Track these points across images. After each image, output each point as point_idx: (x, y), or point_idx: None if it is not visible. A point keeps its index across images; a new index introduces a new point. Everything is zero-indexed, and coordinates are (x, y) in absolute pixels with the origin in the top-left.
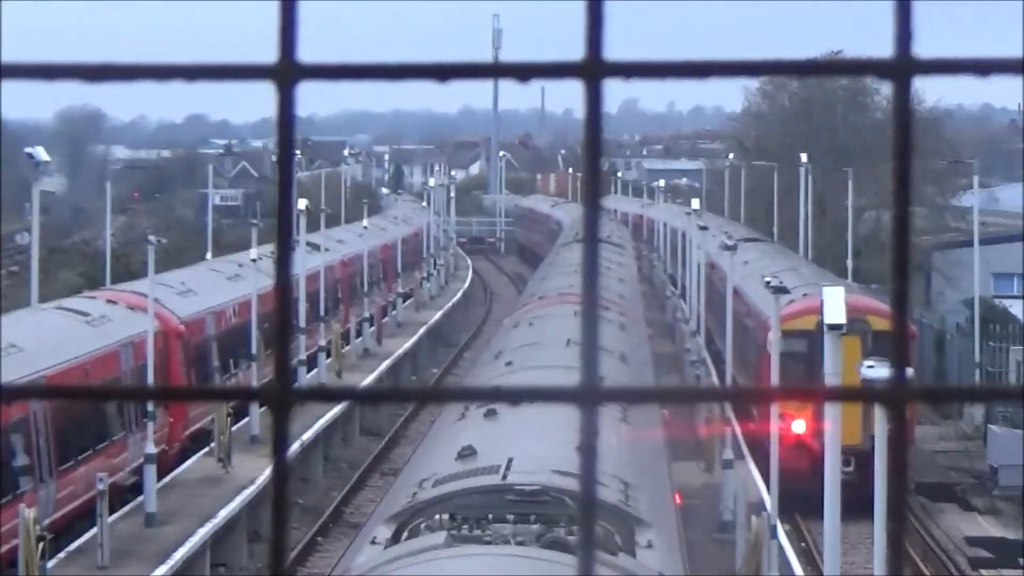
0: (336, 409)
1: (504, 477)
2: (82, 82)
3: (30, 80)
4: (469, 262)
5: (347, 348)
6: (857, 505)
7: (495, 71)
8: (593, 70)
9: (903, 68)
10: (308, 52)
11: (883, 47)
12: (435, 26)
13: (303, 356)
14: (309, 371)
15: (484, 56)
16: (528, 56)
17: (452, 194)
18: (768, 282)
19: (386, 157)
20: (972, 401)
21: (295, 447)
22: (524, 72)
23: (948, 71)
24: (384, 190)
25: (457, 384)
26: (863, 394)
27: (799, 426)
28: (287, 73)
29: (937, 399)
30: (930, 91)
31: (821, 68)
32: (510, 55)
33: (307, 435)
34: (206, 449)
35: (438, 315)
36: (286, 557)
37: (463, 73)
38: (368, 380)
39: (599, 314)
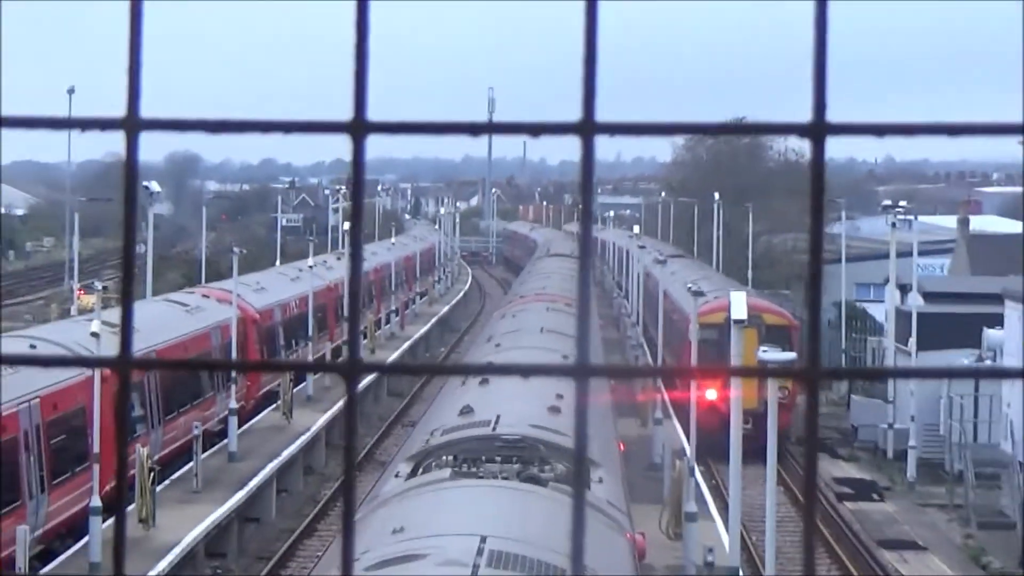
0: (370, 377)
1: (493, 429)
2: (205, 134)
3: (164, 132)
4: (469, 270)
5: (379, 332)
6: (753, 453)
7: (512, 128)
8: (587, 129)
9: (819, 130)
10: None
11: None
12: (432, 92)
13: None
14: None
15: (480, 117)
16: (517, 116)
17: (457, 220)
18: (689, 287)
19: (408, 191)
20: (864, 379)
21: (340, 403)
22: (533, 130)
23: (857, 133)
24: (407, 216)
25: (459, 360)
26: (786, 372)
27: (711, 394)
28: (359, 129)
29: (839, 377)
30: (807, 148)
31: (752, 128)
32: (501, 116)
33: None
34: (274, 406)
35: (445, 308)
36: (354, 500)
37: (490, 129)
38: (395, 355)
39: (587, 310)
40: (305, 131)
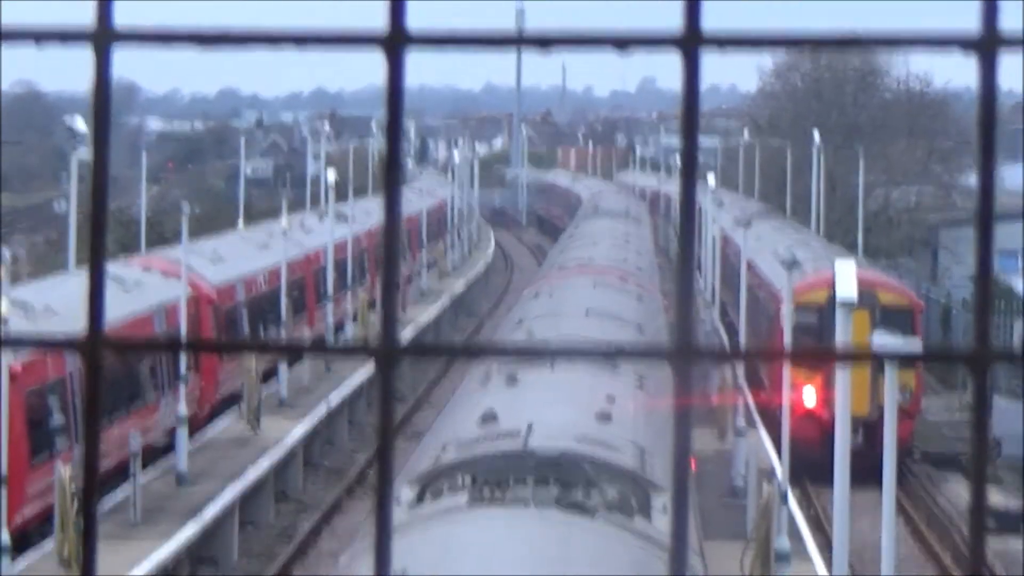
0: (362, 374)
1: (525, 442)
2: (198, 48)
3: (145, 46)
4: (491, 234)
5: (373, 314)
6: (864, 473)
7: (594, 41)
8: (691, 41)
9: (990, 43)
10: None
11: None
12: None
13: (331, 322)
14: (336, 336)
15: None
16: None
17: (476, 168)
18: (781, 256)
19: (411, 130)
20: None
21: (322, 410)
22: (624, 43)
23: None
24: (410, 162)
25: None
26: (950, 354)
27: (809, 396)
28: (397, 41)
29: (1015, 359)
30: (939, 73)
31: (903, 40)
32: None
33: (334, 399)
34: (236, 412)
35: (461, 284)
36: (390, 505)
37: (561, 41)
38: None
39: (690, 272)
40: (329, 45)
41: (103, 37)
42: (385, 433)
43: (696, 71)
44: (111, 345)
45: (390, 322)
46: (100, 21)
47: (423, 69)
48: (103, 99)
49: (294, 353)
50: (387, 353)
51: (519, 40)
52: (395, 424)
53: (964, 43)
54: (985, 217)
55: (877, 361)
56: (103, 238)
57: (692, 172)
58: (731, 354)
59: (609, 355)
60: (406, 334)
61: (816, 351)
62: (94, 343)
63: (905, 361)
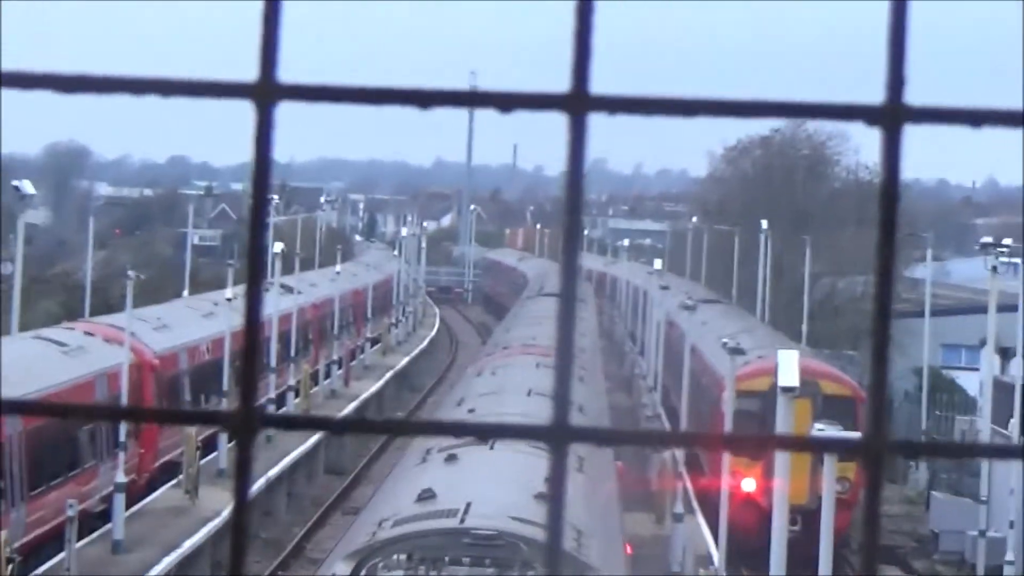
0: (302, 447)
1: (462, 520)
2: (56, 92)
3: (25, 90)
4: (437, 310)
5: (315, 388)
6: (802, 562)
7: (476, 99)
8: (578, 103)
9: (894, 114)
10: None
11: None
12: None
13: (272, 395)
14: (278, 409)
15: (460, 112)
16: (505, 121)
17: (423, 244)
18: (725, 342)
19: (360, 205)
20: (948, 457)
21: (260, 481)
22: (507, 102)
23: (941, 120)
24: (357, 237)
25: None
26: (843, 444)
27: (749, 484)
28: (267, 93)
29: (913, 453)
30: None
31: (806, 110)
32: (487, 115)
33: (272, 471)
34: (175, 481)
35: (405, 360)
36: None
37: (444, 100)
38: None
39: (571, 357)
40: (196, 94)
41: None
42: (240, 504)
43: (582, 134)
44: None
45: (250, 391)
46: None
47: (373, 142)
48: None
49: (159, 420)
50: (246, 422)
51: (399, 95)
52: (250, 496)
53: (869, 114)
54: (882, 298)
55: (770, 449)
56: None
57: (576, 238)
58: (608, 435)
59: (490, 433)
60: (348, 408)
61: (709, 439)
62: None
63: (817, 451)
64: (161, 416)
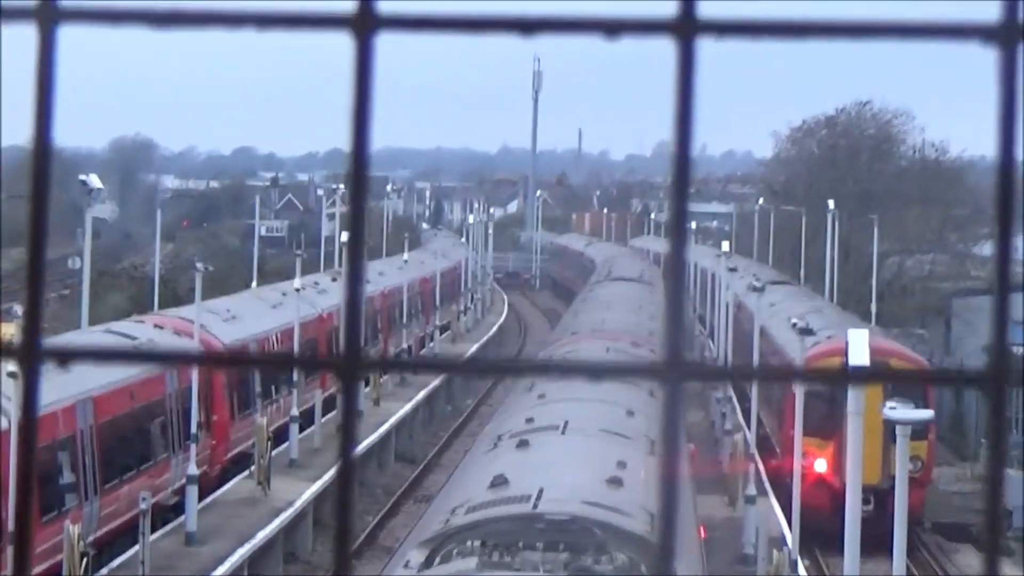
0: (373, 436)
1: (535, 506)
2: (149, 27)
3: (92, 24)
4: (505, 297)
5: (384, 377)
6: (875, 542)
7: (582, 26)
8: (686, 27)
9: (1012, 32)
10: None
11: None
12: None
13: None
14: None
15: (525, 97)
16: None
17: (490, 231)
18: (794, 323)
19: (427, 193)
20: None
21: (331, 472)
22: (615, 28)
23: None
24: (425, 225)
25: (494, 412)
26: (963, 376)
27: (821, 464)
28: (366, 23)
29: None
30: (955, 141)
31: (917, 29)
32: (551, 99)
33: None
34: (247, 472)
35: (474, 347)
36: (351, 540)
37: (546, 27)
38: (404, 410)
39: (681, 296)
40: (293, 26)
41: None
42: (347, 447)
43: (692, 59)
44: (52, 354)
45: (354, 338)
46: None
47: (439, 130)
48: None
49: (257, 364)
50: (350, 367)
51: (499, 23)
52: (357, 438)
53: (984, 32)
54: (1004, 206)
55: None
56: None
57: (685, 176)
58: (721, 372)
59: (599, 372)
60: (418, 396)
61: (822, 373)
62: (30, 352)
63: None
64: (261, 361)
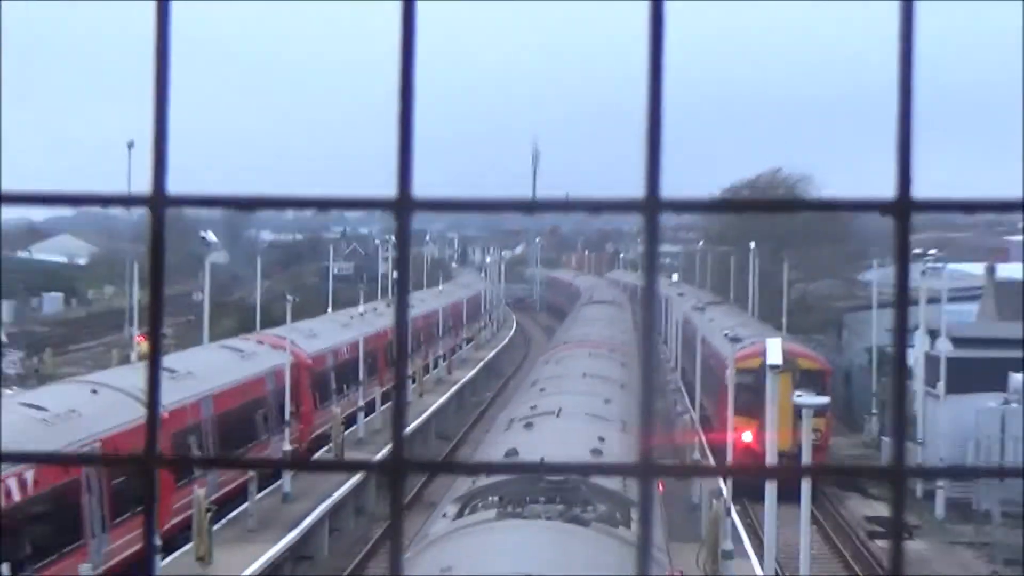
0: (419, 420)
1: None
2: (238, 210)
3: (194, 207)
4: (514, 316)
5: (427, 376)
6: (788, 493)
7: (571, 207)
8: (652, 206)
9: (903, 207)
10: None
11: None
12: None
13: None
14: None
15: (526, 169)
16: (565, 166)
17: (502, 268)
18: (726, 333)
19: (455, 240)
20: (961, 479)
21: (389, 447)
22: (593, 208)
23: (942, 209)
24: (454, 264)
25: (504, 406)
26: (866, 471)
27: (747, 436)
28: (405, 206)
29: (931, 476)
30: (848, 192)
31: (824, 205)
32: (545, 165)
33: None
34: (325, 448)
35: (491, 354)
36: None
37: (544, 208)
38: (441, 400)
39: (650, 405)
40: (346, 208)
41: (158, 202)
42: (396, 540)
43: (656, 229)
44: (164, 463)
45: (398, 442)
46: (155, 187)
47: (462, 189)
48: (158, 256)
49: (320, 469)
50: (396, 468)
51: (511, 205)
52: (402, 531)
53: (880, 207)
54: (899, 356)
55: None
56: (159, 351)
57: (652, 310)
58: (688, 470)
59: (583, 471)
60: (451, 391)
61: (753, 469)
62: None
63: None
64: (323, 466)
